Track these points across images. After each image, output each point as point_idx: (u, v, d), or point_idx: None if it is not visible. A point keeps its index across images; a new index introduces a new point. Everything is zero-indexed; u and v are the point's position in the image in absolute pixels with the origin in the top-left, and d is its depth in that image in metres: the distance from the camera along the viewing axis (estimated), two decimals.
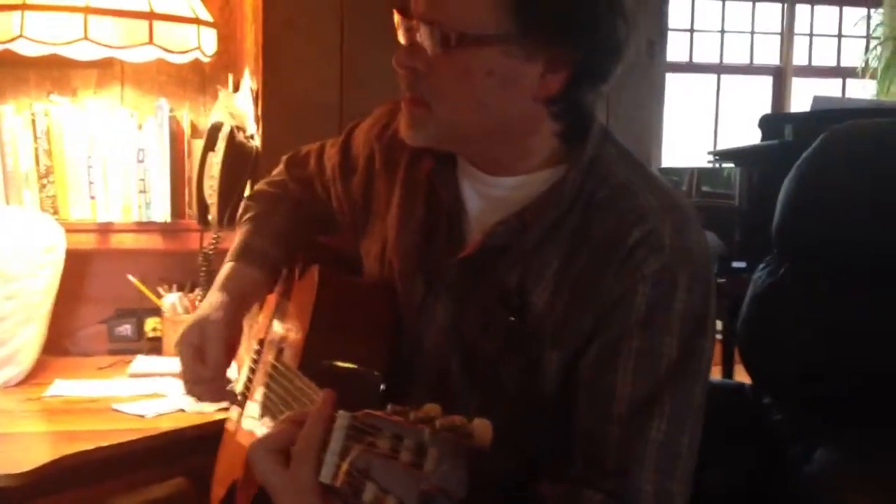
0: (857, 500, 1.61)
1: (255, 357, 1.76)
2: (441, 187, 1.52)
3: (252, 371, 1.75)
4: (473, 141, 1.45)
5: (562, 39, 1.34)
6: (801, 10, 7.50)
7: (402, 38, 1.41)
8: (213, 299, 1.64)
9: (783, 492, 1.73)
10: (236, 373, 1.88)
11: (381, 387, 1.46)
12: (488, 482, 0.97)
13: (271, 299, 1.81)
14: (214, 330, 1.58)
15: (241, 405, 1.76)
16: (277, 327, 1.73)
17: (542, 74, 1.36)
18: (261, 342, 1.76)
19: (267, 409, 1.59)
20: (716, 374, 4.05)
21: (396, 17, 1.41)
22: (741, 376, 2.07)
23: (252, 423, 1.67)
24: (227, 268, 1.71)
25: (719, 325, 4.23)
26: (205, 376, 1.58)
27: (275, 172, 1.91)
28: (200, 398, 1.66)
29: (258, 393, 1.65)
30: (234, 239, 1.77)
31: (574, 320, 1.38)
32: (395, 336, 1.53)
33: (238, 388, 1.79)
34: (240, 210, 1.86)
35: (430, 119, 1.41)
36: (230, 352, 1.62)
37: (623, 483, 1.31)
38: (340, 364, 1.43)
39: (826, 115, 3.92)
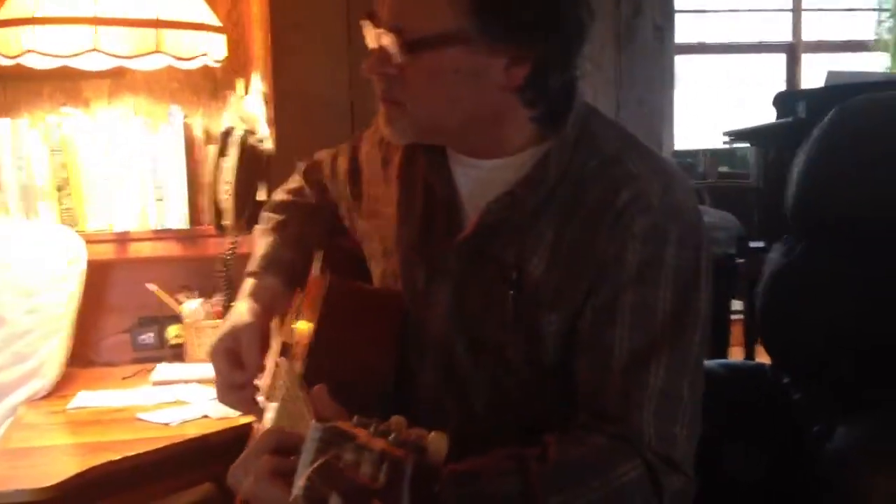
0: (880, 477, 1.60)
1: (277, 360, 1.77)
2: (434, 178, 1.56)
3: (274, 374, 1.76)
4: (450, 133, 1.51)
5: (520, 34, 1.38)
6: None
7: (370, 44, 1.46)
8: (241, 307, 1.67)
9: (806, 470, 1.73)
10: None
11: (386, 389, 1.51)
12: (432, 500, 1.01)
13: (296, 303, 1.83)
14: (249, 333, 1.60)
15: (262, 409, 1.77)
16: (295, 330, 1.74)
17: (506, 67, 1.41)
18: (284, 345, 1.77)
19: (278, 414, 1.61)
20: (737, 355, 4.05)
21: (364, 24, 1.46)
22: (763, 357, 2.06)
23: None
24: (250, 279, 1.74)
25: (740, 305, 4.23)
26: (240, 381, 1.61)
27: (290, 181, 1.95)
28: (233, 406, 1.68)
29: (276, 396, 1.66)
30: (255, 250, 1.80)
31: (570, 283, 1.42)
32: (401, 341, 1.56)
33: (261, 391, 1.80)
34: (259, 221, 1.89)
35: (406, 116, 1.46)
36: (263, 355, 1.65)
37: (626, 426, 1.36)
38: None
39: (840, 90, 3.89)
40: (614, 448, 1.34)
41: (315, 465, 0.98)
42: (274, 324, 1.78)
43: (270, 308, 1.71)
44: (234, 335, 1.61)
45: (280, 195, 1.93)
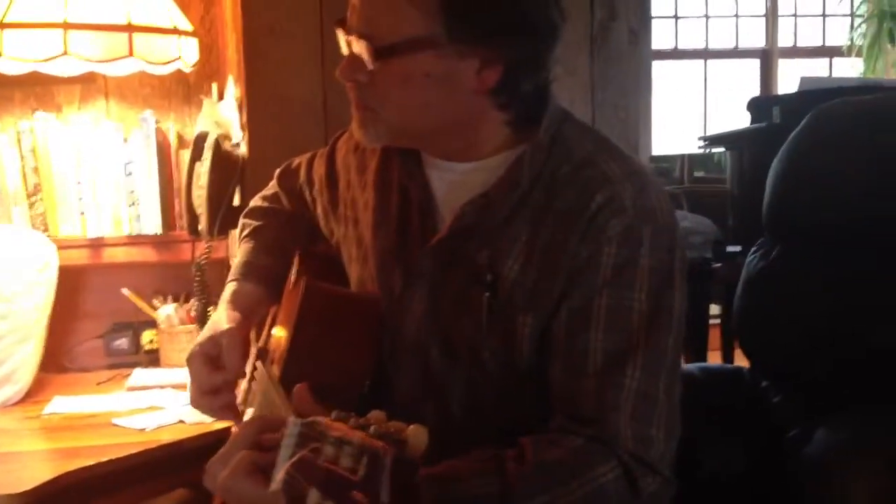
0: (858, 478, 1.61)
1: (254, 366, 1.76)
2: (410, 182, 1.56)
3: (251, 379, 1.75)
4: (423, 136, 1.51)
5: (491, 37, 1.38)
6: None
7: (344, 50, 1.46)
8: (221, 314, 1.66)
9: (783, 474, 1.73)
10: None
11: (364, 389, 1.50)
12: (412, 492, 1.03)
13: (273, 308, 1.82)
14: (229, 337, 1.60)
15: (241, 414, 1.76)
16: (272, 336, 1.74)
17: (478, 70, 1.41)
18: (260, 351, 1.76)
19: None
20: (716, 360, 4.06)
21: (337, 31, 1.46)
22: (741, 361, 2.07)
23: None
24: (230, 287, 1.74)
25: (717, 309, 4.25)
26: (219, 383, 1.59)
27: (268, 187, 1.95)
28: (206, 411, 1.66)
29: (255, 401, 1.65)
30: (235, 257, 1.80)
31: (544, 286, 1.42)
32: (379, 343, 1.56)
33: (239, 397, 1.79)
34: (238, 228, 1.90)
35: (379, 121, 1.46)
36: (244, 359, 1.64)
37: (602, 428, 1.36)
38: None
39: (813, 95, 3.91)
40: (591, 450, 1.34)
41: (294, 458, 0.98)
42: (252, 331, 1.78)
43: (250, 314, 1.70)
44: (213, 340, 1.60)
45: (257, 201, 1.94)
